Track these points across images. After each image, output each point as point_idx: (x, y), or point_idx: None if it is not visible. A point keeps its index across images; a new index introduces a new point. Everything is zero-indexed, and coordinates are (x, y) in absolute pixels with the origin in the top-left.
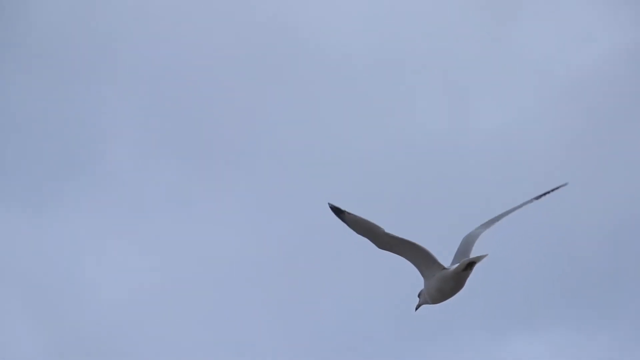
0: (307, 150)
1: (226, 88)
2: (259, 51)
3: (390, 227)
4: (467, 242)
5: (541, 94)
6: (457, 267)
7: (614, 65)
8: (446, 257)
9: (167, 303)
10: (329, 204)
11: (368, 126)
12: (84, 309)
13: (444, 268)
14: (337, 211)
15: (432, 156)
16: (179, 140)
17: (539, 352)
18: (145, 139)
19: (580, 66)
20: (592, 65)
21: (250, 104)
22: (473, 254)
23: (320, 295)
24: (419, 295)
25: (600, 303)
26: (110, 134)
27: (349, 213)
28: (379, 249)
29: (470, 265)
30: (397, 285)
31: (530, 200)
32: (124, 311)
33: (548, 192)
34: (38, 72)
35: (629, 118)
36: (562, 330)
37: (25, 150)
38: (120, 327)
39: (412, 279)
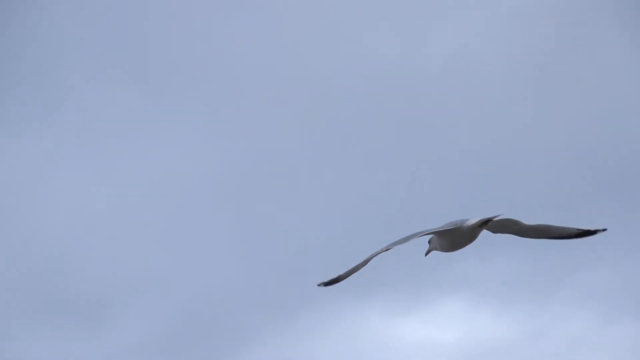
0: (262, 76)
1: (181, 13)
2: None
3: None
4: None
5: (493, 20)
6: (472, 224)
7: None
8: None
9: (120, 226)
10: (319, 284)
11: (321, 52)
12: (36, 233)
13: (453, 229)
14: (332, 282)
15: (385, 82)
16: (133, 65)
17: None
18: (100, 64)
19: None
20: None
21: (205, 29)
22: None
23: (273, 217)
24: (429, 242)
25: None
26: (64, 59)
27: (342, 275)
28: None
29: (486, 222)
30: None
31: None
32: (76, 234)
33: (589, 233)
34: None
35: (574, 39)
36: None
37: None
38: (73, 250)
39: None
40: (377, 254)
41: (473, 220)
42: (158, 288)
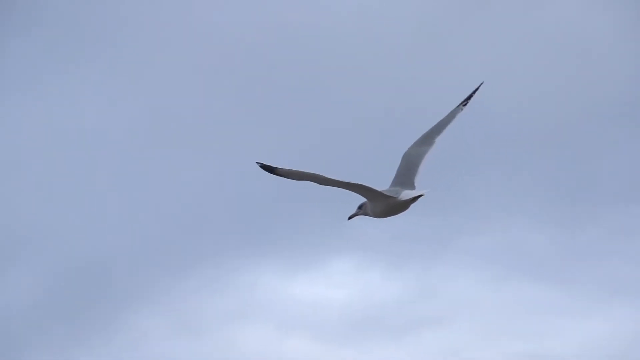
0: (165, 34)
1: None
2: None
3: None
4: (411, 162)
5: None
6: (406, 200)
7: None
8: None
9: (9, 180)
10: (257, 163)
11: (220, 10)
12: None
13: (390, 197)
14: (268, 168)
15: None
16: (41, 25)
17: None
18: (5, 21)
19: None
20: None
21: None
22: (419, 175)
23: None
24: (359, 207)
25: None
26: None
27: (280, 169)
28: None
29: (417, 197)
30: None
31: (458, 107)
32: None
33: (470, 96)
34: None
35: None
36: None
37: None
38: None
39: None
40: (317, 176)
41: (413, 193)
42: (46, 243)
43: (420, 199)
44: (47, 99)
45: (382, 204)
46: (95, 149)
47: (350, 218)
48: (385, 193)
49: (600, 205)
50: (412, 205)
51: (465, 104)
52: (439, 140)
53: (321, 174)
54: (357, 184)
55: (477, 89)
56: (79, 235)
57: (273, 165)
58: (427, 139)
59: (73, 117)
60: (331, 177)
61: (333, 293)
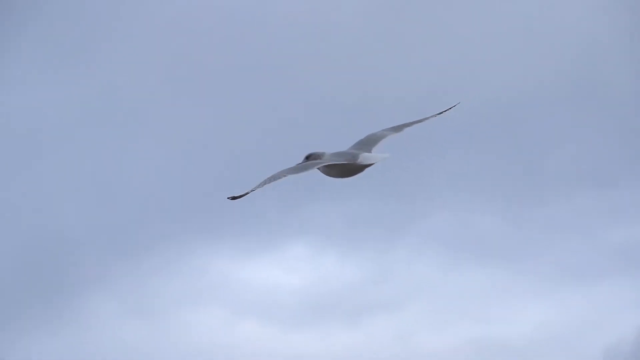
0: (112, 11)
1: None
2: None
3: None
4: (373, 138)
5: None
6: (364, 163)
7: None
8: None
9: None
10: (229, 197)
11: None
12: None
13: (348, 164)
14: (236, 198)
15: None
16: None
17: None
18: None
19: None
20: None
21: None
22: (378, 147)
23: (120, 156)
24: (307, 157)
25: None
26: None
27: (246, 193)
28: None
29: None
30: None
31: (434, 115)
32: None
33: (446, 110)
34: None
35: None
36: None
37: None
38: None
39: None
40: (273, 180)
41: (367, 159)
42: None
43: (376, 165)
44: None
45: (338, 168)
46: (46, 132)
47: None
48: (346, 161)
49: (550, 188)
50: (369, 185)
51: (440, 114)
52: (408, 130)
53: (284, 172)
54: (311, 166)
55: (452, 107)
56: (31, 220)
57: (237, 195)
58: (397, 127)
59: (21, 98)
60: (295, 172)
61: (288, 277)
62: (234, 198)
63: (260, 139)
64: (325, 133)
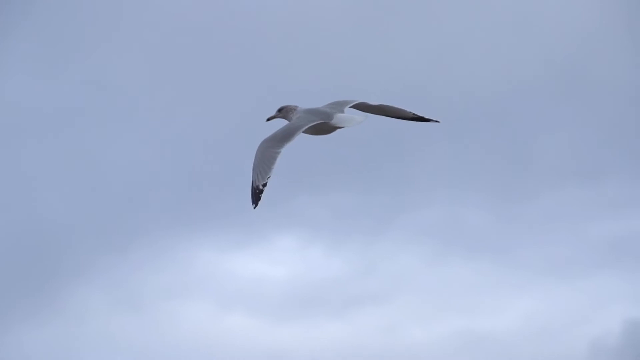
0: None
1: None
2: None
3: None
4: (341, 103)
5: None
6: (339, 125)
7: None
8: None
9: None
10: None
11: None
12: None
13: (323, 122)
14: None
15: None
16: None
17: None
18: None
19: None
20: None
21: None
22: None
23: (106, 148)
24: (279, 110)
25: None
26: None
27: (262, 188)
28: None
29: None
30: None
31: (412, 114)
32: None
33: (423, 119)
34: None
35: None
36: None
37: None
38: None
39: None
40: (268, 161)
41: (342, 120)
42: None
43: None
44: None
45: (318, 124)
46: (31, 124)
47: (268, 120)
48: (322, 120)
49: (537, 182)
50: (354, 178)
51: (419, 118)
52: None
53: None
54: (311, 126)
55: (430, 120)
56: (18, 213)
57: (258, 190)
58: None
59: (8, 89)
60: (286, 141)
61: (275, 270)
62: (257, 198)
63: (247, 133)
64: None
